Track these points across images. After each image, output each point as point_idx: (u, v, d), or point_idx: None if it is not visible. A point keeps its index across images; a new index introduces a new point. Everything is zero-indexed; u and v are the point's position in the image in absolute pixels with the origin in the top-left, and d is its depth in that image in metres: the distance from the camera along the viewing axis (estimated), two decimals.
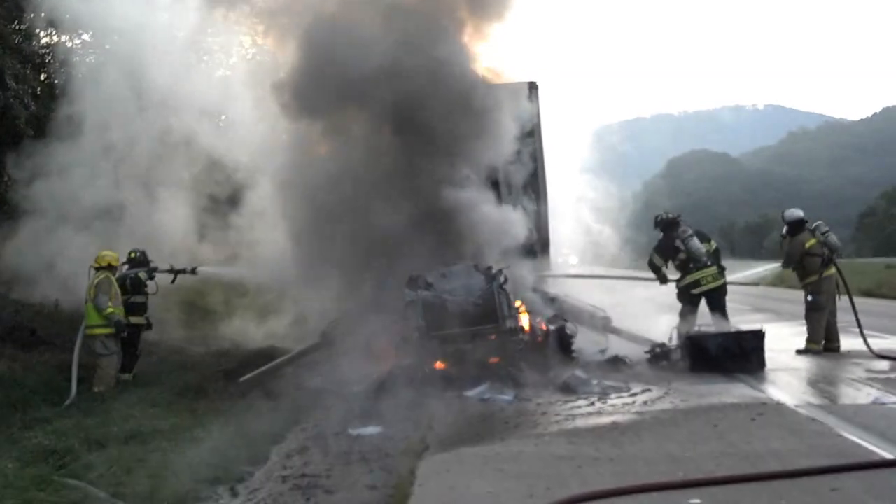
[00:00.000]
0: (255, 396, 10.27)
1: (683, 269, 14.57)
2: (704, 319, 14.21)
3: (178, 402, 10.05)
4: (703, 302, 14.56)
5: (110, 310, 11.85)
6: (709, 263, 14.46)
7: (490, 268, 12.72)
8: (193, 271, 13.76)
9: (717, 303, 14.42)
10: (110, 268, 12.34)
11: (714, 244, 15.01)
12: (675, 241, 14.56)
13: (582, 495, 6.53)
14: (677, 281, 14.73)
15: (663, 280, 15.09)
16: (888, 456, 7.50)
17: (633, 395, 11.06)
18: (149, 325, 13.22)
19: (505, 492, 6.85)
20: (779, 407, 10.08)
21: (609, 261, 23.99)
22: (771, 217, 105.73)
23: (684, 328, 13.87)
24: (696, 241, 14.45)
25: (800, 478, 6.89)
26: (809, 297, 14.48)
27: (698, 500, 6.42)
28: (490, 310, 12.24)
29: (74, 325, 12.26)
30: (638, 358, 13.69)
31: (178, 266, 13.78)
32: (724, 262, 15.02)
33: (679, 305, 14.71)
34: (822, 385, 11.85)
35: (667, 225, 14.91)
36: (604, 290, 16.57)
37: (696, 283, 14.39)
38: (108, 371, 11.75)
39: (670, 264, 14.90)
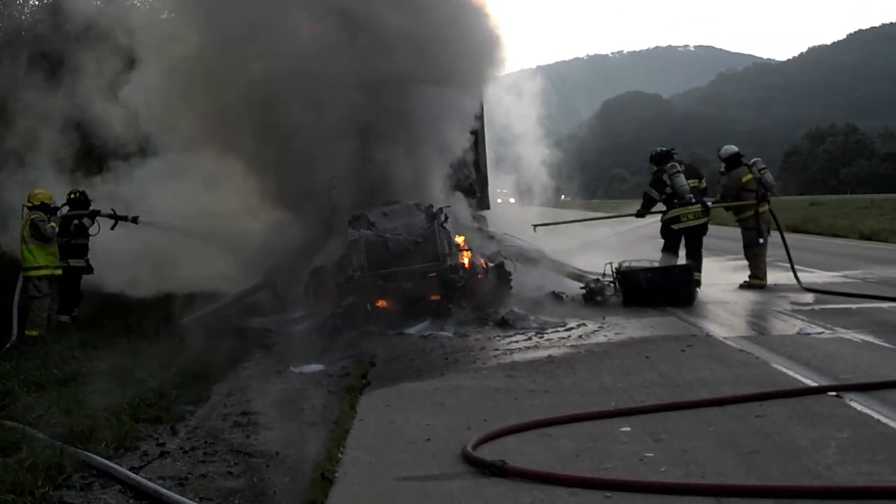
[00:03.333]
0: (197, 337, 10.10)
1: (668, 203, 14.31)
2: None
3: (118, 344, 9.85)
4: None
5: (52, 224, 11.55)
6: (693, 201, 14.22)
7: (431, 206, 12.61)
8: (135, 220, 13.37)
9: (694, 241, 14.30)
10: (43, 206, 11.86)
11: (704, 182, 14.76)
12: (663, 176, 14.32)
13: (517, 426, 6.57)
14: (662, 214, 14.48)
15: (641, 214, 14.99)
16: (811, 383, 7.67)
17: (569, 329, 11.14)
18: (89, 269, 12.86)
19: (443, 424, 6.87)
20: (708, 338, 10.24)
21: (544, 200, 24.09)
22: (699, 156, 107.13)
23: (664, 263, 13.86)
24: (681, 178, 14.16)
25: (727, 405, 7.01)
26: (759, 239, 14.50)
27: (629, 428, 6.50)
28: (431, 248, 12.16)
29: (18, 266, 11.89)
30: (574, 294, 13.78)
31: (119, 213, 13.36)
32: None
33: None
34: (750, 317, 12.06)
35: (660, 158, 14.67)
36: (541, 230, 16.58)
37: (677, 219, 14.19)
38: (39, 314, 11.40)
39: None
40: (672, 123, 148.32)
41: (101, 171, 15.46)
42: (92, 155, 15.93)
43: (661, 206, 14.48)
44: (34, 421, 6.90)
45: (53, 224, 11.61)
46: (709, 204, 14.62)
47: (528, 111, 21.65)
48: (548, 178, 22.79)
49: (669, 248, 14.33)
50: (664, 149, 14.93)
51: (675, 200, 14.18)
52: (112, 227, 13.24)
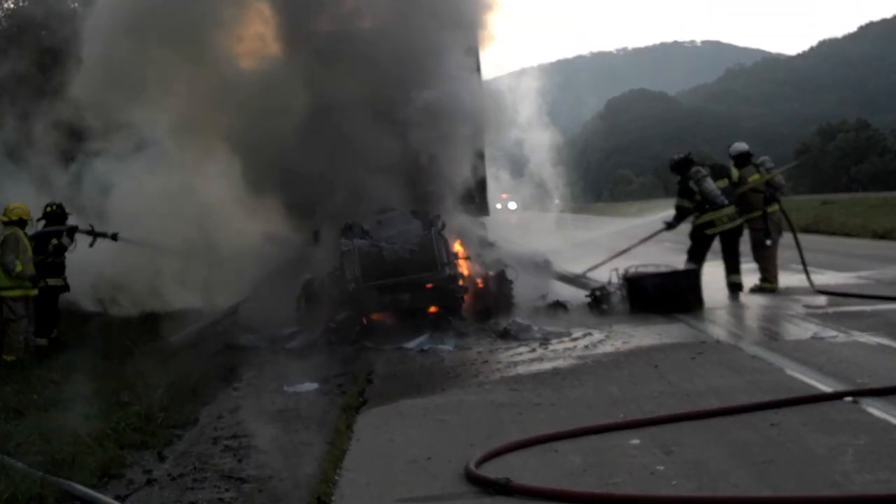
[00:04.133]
0: (185, 357, 10.06)
1: (700, 209, 14.23)
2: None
3: (101, 366, 9.80)
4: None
5: (19, 268, 11.31)
6: (725, 203, 14.13)
7: (427, 213, 12.57)
8: (114, 237, 13.28)
9: (730, 244, 14.24)
10: (21, 222, 11.74)
11: (734, 175, 14.64)
12: (689, 183, 14.24)
13: (521, 441, 6.54)
14: (694, 219, 14.39)
15: (673, 226, 14.85)
16: (827, 389, 7.64)
17: (574, 339, 11.12)
18: (66, 287, 12.72)
19: (445, 442, 6.85)
20: (718, 345, 10.23)
21: (548, 205, 24.02)
22: (707, 154, 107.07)
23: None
24: (709, 182, 14.08)
25: (740, 414, 6.99)
26: (766, 241, 14.45)
27: (638, 441, 6.47)
28: (428, 257, 12.11)
29: None
30: (579, 302, 13.75)
31: (98, 229, 13.27)
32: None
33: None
34: (762, 322, 12.06)
35: (680, 165, 14.59)
36: (543, 234, 16.58)
37: (711, 224, 14.13)
38: (16, 337, 11.27)
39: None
40: (678, 121, 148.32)
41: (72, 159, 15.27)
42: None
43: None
44: (13, 449, 6.84)
45: (20, 267, 11.39)
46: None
47: (529, 111, 21.61)
48: (551, 182, 22.73)
49: (697, 252, 14.22)
50: (682, 156, 14.87)
51: (707, 206, 14.11)
52: (91, 244, 13.15)
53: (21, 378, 9.97)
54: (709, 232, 14.17)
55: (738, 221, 14.24)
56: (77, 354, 10.30)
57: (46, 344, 12.01)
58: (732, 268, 14.10)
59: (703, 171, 14.31)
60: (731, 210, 14.14)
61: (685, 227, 14.69)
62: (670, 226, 14.98)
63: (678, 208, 14.63)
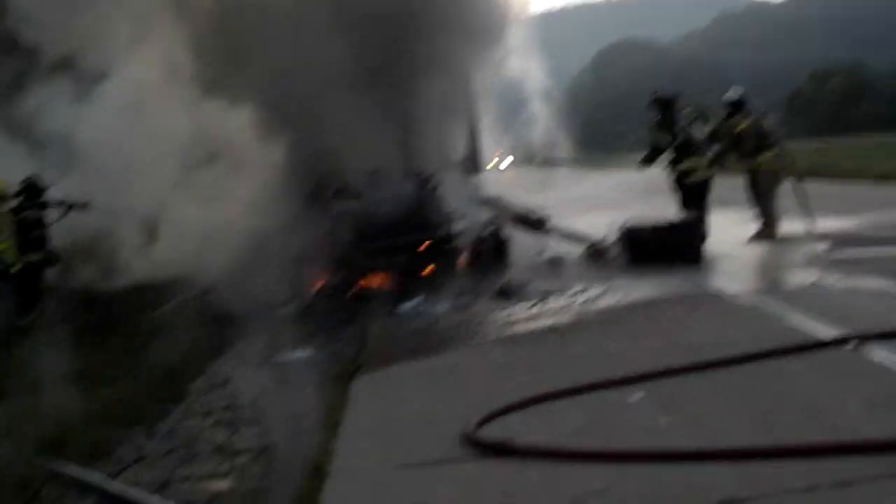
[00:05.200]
0: (172, 330, 9.96)
1: (679, 154, 14.09)
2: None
3: (86, 342, 9.70)
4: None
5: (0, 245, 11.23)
6: (706, 152, 14.10)
7: (420, 173, 12.45)
8: (85, 206, 13.07)
9: (701, 194, 14.11)
10: None
11: (712, 123, 14.57)
12: (676, 125, 14.06)
13: (521, 402, 6.45)
14: (669, 164, 14.28)
15: (647, 163, 14.64)
16: (829, 336, 7.55)
17: (572, 295, 11.02)
18: (53, 261, 12.57)
19: (443, 405, 6.77)
20: (718, 296, 10.18)
21: (542, 161, 23.90)
22: (701, 105, 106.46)
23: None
24: (698, 128, 14.07)
25: (741, 364, 6.92)
26: (755, 190, 14.41)
27: (641, 395, 6.40)
28: (422, 217, 12.02)
29: None
30: (576, 257, 13.67)
31: (70, 200, 13.04)
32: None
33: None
34: (761, 271, 12.01)
35: (666, 104, 14.38)
36: (537, 189, 16.49)
37: (690, 172, 14.06)
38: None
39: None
40: (670, 71, 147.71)
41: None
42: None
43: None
44: None
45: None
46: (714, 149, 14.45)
47: (516, 67, 21.41)
48: (543, 138, 22.61)
49: (692, 201, 14.04)
50: (669, 94, 14.61)
51: (690, 151, 14.00)
52: (62, 217, 12.93)
53: (5, 358, 9.89)
54: (687, 182, 14.09)
55: (712, 172, 14.18)
56: (60, 330, 10.21)
57: (29, 322, 11.92)
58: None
59: (694, 114, 14.21)
60: (708, 159, 14.13)
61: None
62: (646, 162, 14.67)
63: (655, 145, 14.37)
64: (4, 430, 6.84)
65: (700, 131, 14.03)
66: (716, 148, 14.28)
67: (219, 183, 13.16)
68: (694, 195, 14.06)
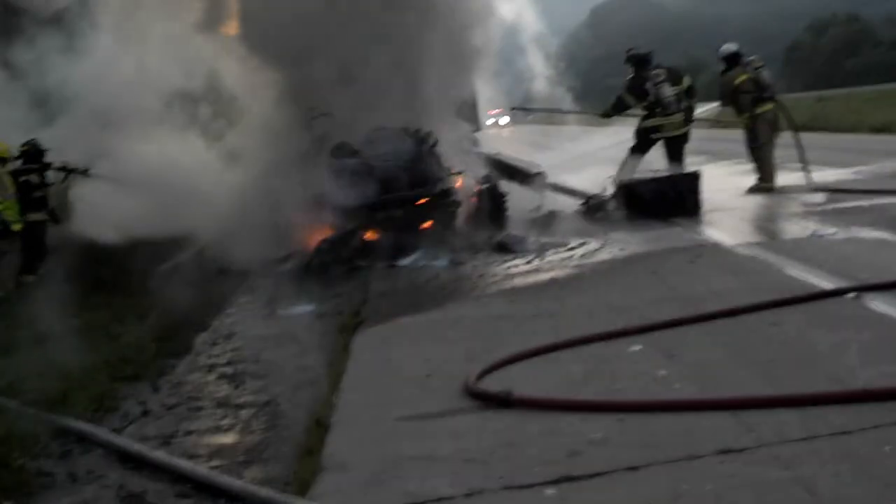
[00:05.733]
0: (175, 285, 9.95)
1: (650, 110, 14.28)
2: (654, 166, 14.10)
3: (91, 299, 9.69)
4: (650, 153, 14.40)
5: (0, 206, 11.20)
6: (677, 110, 14.18)
7: (418, 130, 12.37)
8: (85, 172, 13.06)
9: (676, 150, 14.27)
10: (0, 159, 11.59)
11: (687, 82, 14.60)
12: (646, 84, 14.21)
13: (521, 354, 6.46)
14: (641, 120, 14.47)
15: (608, 115, 14.94)
16: (828, 286, 7.55)
17: (571, 249, 11.01)
18: (55, 220, 12.59)
19: (443, 358, 6.76)
20: (717, 247, 10.14)
21: (542, 118, 23.73)
22: (696, 58, 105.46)
23: (627, 173, 13.74)
24: (666, 88, 14.09)
25: (741, 315, 6.92)
26: (752, 143, 14.40)
27: (640, 347, 6.40)
28: (420, 173, 11.97)
29: None
30: (574, 211, 13.63)
31: (70, 164, 13.01)
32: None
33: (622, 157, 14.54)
34: (760, 222, 11.98)
35: (638, 61, 14.51)
36: (539, 148, 16.43)
37: (658, 128, 14.18)
38: (2, 272, 11.21)
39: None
40: (666, 25, 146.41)
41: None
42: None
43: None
44: (4, 388, 6.77)
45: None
46: (694, 110, 14.67)
47: (512, 24, 21.23)
48: (542, 94, 22.45)
49: (636, 156, 14.34)
50: (643, 52, 14.71)
51: (658, 109, 14.12)
52: (63, 181, 12.95)
53: (8, 315, 9.89)
54: (654, 136, 14.24)
55: (685, 129, 14.28)
56: (65, 288, 10.22)
57: (34, 280, 11.93)
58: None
59: (663, 74, 14.25)
60: (679, 118, 14.18)
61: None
62: (606, 114, 15.04)
63: (619, 99, 14.63)
64: (10, 386, 6.84)
65: (668, 91, 14.09)
66: (685, 104, 14.35)
67: (219, 139, 13.15)
68: (648, 147, 14.36)
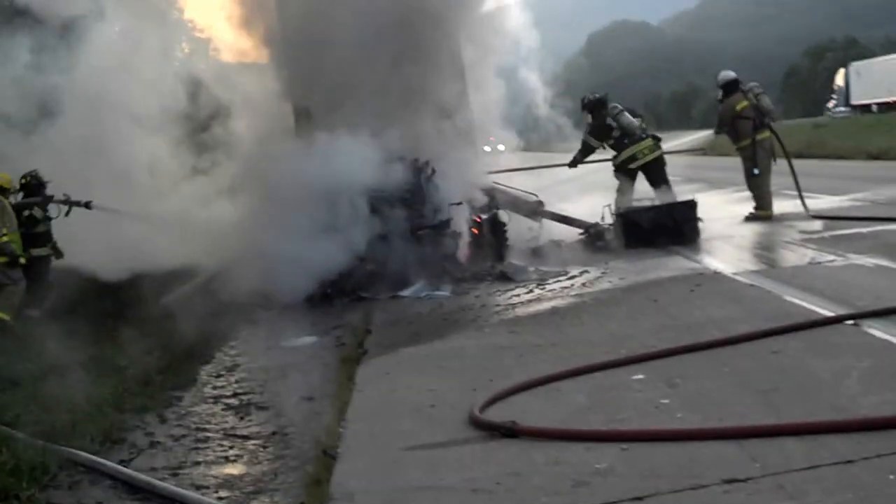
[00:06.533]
0: (179, 318, 10.02)
1: (618, 145, 14.54)
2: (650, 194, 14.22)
3: (96, 331, 9.76)
4: (640, 178, 14.56)
5: (5, 238, 11.22)
6: (643, 136, 14.47)
7: (416, 159, 12.48)
8: (87, 205, 13.17)
9: (658, 175, 14.46)
10: (2, 191, 11.64)
11: (643, 121, 14.99)
12: (607, 120, 14.52)
13: (525, 384, 6.54)
14: (613, 158, 14.72)
15: (575, 164, 15.20)
16: (827, 314, 7.64)
17: (572, 278, 11.10)
18: (58, 254, 12.64)
19: (447, 388, 6.85)
20: (716, 276, 10.23)
21: (538, 145, 23.79)
22: (696, 85, 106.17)
23: (622, 204, 13.89)
24: (627, 116, 14.54)
25: (742, 343, 7.00)
26: (754, 170, 14.49)
27: (642, 376, 6.48)
28: (420, 204, 12.07)
29: None
30: (573, 240, 13.74)
31: (72, 198, 13.11)
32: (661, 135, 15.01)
33: (615, 184, 14.69)
34: (758, 250, 12.07)
35: (595, 106, 14.81)
36: (533, 175, 16.51)
37: (633, 158, 14.39)
38: (12, 300, 11.23)
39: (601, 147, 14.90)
40: (663, 52, 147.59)
41: None
42: None
43: (601, 154, 14.95)
44: (12, 420, 6.83)
45: (5, 238, 11.24)
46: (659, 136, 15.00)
47: (508, 52, 21.38)
48: (539, 123, 22.56)
49: (626, 188, 14.50)
50: (597, 95, 15.05)
51: (626, 140, 14.41)
52: (66, 213, 13.02)
53: (15, 348, 9.95)
54: (632, 166, 14.43)
55: (659, 152, 14.51)
56: (70, 321, 10.29)
57: (38, 314, 11.95)
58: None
59: (620, 106, 14.68)
60: (649, 142, 14.45)
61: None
62: (573, 163, 15.28)
63: (584, 143, 14.95)
64: (18, 418, 6.90)
65: (629, 118, 14.50)
66: (650, 131, 14.85)
67: (221, 174, 13.25)
68: (633, 180, 14.54)
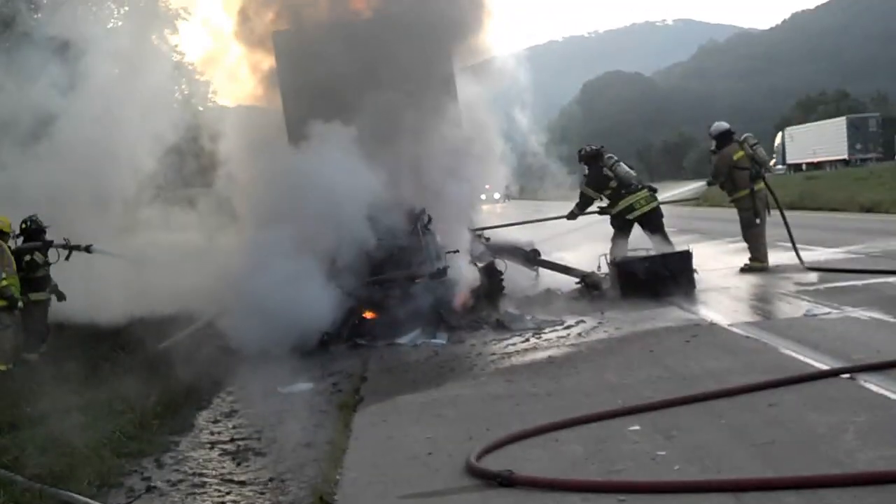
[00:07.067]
0: (176, 363, 10.04)
1: (615, 196, 14.69)
2: (644, 243, 14.33)
3: (93, 375, 9.78)
4: (636, 227, 14.69)
5: (4, 282, 11.26)
6: (640, 187, 14.63)
7: (412, 208, 12.59)
8: (87, 249, 13.26)
9: (655, 225, 14.58)
10: (2, 234, 11.69)
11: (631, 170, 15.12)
12: (604, 171, 14.68)
13: (521, 433, 6.59)
14: (609, 208, 14.86)
15: (575, 216, 15.28)
16: (823, 367, 7.72)
17: (568, 327, 11.18)
18: (59, 297, 12.67)
19: (444, 436, 6.90)
20: (712, 327, 10.30)
21: (532, 192, 23.99)
22: (688, 135, 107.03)
23: (618, 254, 13.99)
24: (623, 166, 14.75)
25: (738, 396, 7.06)
26: (756, 220, 14.60)
27: (638, 427, 6.53)
28: (416, 252, 12.16)
29: None
30: (569, 289, 13.82)
31: (72, 243, 13.21)
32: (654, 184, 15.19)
33: (611, 233, 14.81)
34: (754, 302, 12.13)
35: (591, 158, 14.97)
36: (529, 225, 16.66)
37: (630, 208, 14.53)
38: (3, 345, 11.24)
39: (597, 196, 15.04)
40: (656, 102, 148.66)
41: None
42: None
43: (598, 204, 15.05)
44: (10, 463, 6.84)
45: (5, 282, 11.31)
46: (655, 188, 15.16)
47: (505, 100, 21.60)
48: (535, 171, 22.74)
49: (621, 238, 14.63)
50: (594, 147, 15.19)
51: (623, 191, 14.58)
52: (66, 258, 13.10)
53: (12, 391, 9.94)
54: (630, 217, 14.59)
55: (655, 203, 14.66)
56: (68, 366, 10.31)
57: (36, 359, 11.95)
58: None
59: (615, 156, 14.90)
60: (645, 193, 14.61)
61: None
62: (573, 214, 15.35)
63: (582, 195, 15.10)
64: (16, 461, 6.90)
65: (626, 168, 14.74)
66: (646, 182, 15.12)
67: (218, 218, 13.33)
68: (629, 231, 14.69)
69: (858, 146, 64.88)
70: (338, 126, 12.48)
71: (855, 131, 65.27)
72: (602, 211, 15.03)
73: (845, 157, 63.30)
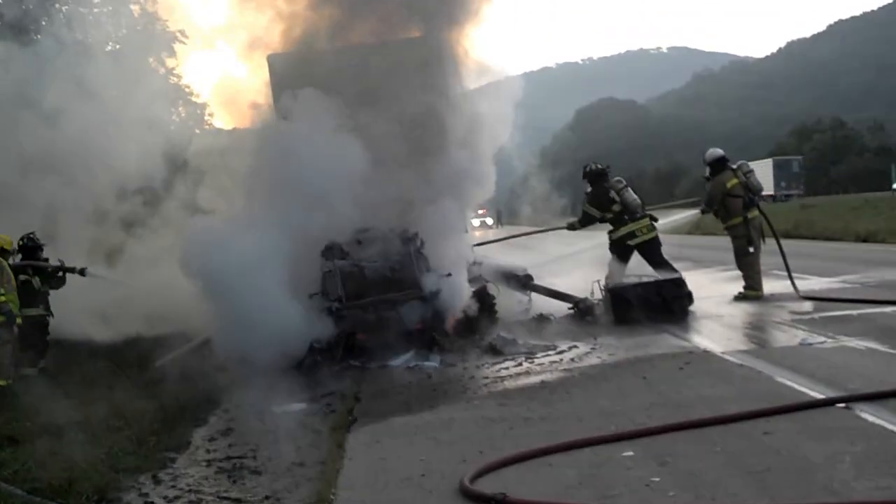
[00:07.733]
0: (173, 381, 10.11)
1: (618, 221, 14.81)
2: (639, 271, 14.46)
3: (91, 392, 9.84)
4: (635, 255, 14.81)
5: (2, 298, 11.33)
6: (643, 215, 14.77)
7: (405, 231, 12.69)
8: (82, 272, 13.38)
9: (655, 254, 14.71)
10: (3, 252, 11.80)
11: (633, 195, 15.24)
12: (610, 193, 14.79)
13: (515, 456, 6.66)
14: (611, 232, 14.98)
15: (574, 228, 15.48)
16: (818, 396, 7.81)
17: (561, 352, 11.25)
18: (48, 313, 12.74)
19: (437, 459, 6.97)
20: (706, 354, 10.40)
21: (526, 219, 24.08)
22: (680, 163, 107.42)
23: (613, 280, 14.09)
24: (631, 193, 14.83)
25: (732, 423, 7.13)
26: (749, 248, 14.70)
27: (632, 453, 6.61)
28: (409, 275, 12.25)
29: None
30: (562, 315, 13.90)
31: (68, 264, 13.32)
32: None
33: (605, 260, 14.92)
34: (748, 330, 12.22)
35: (596, 176, 15.11)
36: (522, 249, 16.77)
37: (632, 235, 14.66)
38: (2, 361, 11.30)
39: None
40: (649, 129, 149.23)
41: None
42: None
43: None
44: (9, 477, 6.90)
45: (3, 298, 11.39)
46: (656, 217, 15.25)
47: (498, 126, 21.78)
48: (527, 197, 22.89)
49: (618, 264, 14.78)
50: (599, 166, 15.34)
51: (626, 216, 14.71)
52: (62, 283, 13.20)
53: (11, 406, 9.99)
54: (631, 243, 14.74)
55: (655, 232, 14.81)
56: (66, 382, 10.38)
57: (36, 374, 12.01)
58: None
59: (624, 181, 15.02)
60: (647, 221, 14.77)
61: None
62: (573, 227, 15.61)
63: (584, 213, 15.27)
64: (15, 475, 6.96)
65: (633, 195, 14.86)
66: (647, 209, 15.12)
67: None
68: (628, 257, 14.86)
69: (783, 184, 78.32)
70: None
71: (779, 171, 79.12)
72: (603, 220, 15.09)
73: (772, 192, 70.47)
